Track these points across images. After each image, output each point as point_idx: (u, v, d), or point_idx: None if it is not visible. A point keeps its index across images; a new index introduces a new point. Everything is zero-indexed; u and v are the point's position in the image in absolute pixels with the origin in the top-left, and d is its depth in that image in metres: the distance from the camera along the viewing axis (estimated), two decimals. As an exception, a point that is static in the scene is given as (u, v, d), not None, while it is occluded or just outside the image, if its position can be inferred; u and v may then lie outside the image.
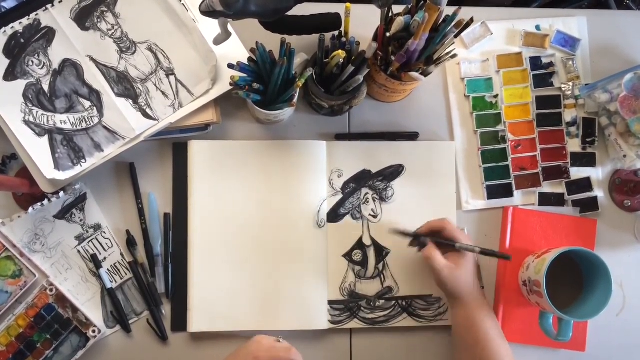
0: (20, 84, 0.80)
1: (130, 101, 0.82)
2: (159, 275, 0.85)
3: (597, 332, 0.89)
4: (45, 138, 0.80)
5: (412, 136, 0.91)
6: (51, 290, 0.83)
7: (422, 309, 0.88)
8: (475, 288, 0.80)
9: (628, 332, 0.91)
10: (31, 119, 0.80)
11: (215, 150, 0.87)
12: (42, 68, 0.80)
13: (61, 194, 0.83)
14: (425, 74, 0.77)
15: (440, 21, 0.76)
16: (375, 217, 0.89)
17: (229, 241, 0.86)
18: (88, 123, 0.81)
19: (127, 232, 0.86)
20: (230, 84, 0.76)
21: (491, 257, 0.82)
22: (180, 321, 0.85)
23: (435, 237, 0.82)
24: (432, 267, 0.80)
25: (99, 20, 0.82)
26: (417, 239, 0.83)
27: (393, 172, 0.90)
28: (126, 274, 0.86)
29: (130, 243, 0.86)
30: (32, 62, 0.80)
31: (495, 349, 0.76)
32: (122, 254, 0.86)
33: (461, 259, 0.79)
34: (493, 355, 0.76)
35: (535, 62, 0.93)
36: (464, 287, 0.79)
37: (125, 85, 0.82)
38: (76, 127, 0.81)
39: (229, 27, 0.79)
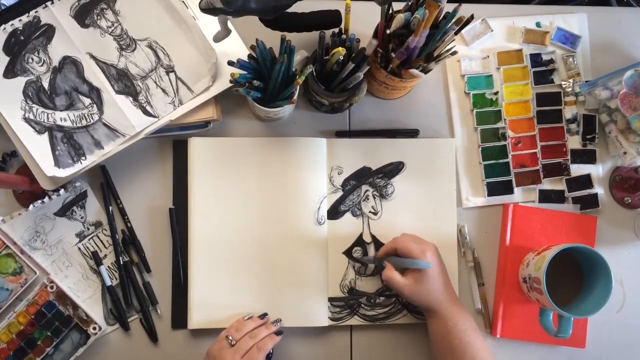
0: (20, 82, 0.80)
1: (130, 98, 0.82)
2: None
3: (597, 329, 0.89)
4: (46, 135, 0.80)
5: (412, 133, 0.91)
6: (52, 287, 0.83)
7: (422, 306, 0.88)
8: (445, 296, 0.80)
9: (628, 329, 0.91)
10: (31, 117, 0.80)
11: (216, 148, 0.87)
12: (42, 65, 0.80)
13: (61, 191, 0.83)
14: (425, 71, 0.77)
15: (441, 18, 0.76)
16: (375, 214, 0.89)
17: (229, 238, 0.86)
18: (88, 120, 0.81)
19: (123, 231, 0.86)
20: (230, 81, 0.76)
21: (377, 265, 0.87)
22: (180, 318, 0.85)
23: (392, 256, 0.83)
24: (393, 288, 0.81)
25: (98, 17, 0.82)
26: (379, 263, 0.84)
27: (393, 169, 0.90)
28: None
29: (126, 243, 0.86)
30: (32, 59, 0.80)
31: (472, 353, 0.76)
32: (122, 252, 0.86)
33: (421, 273, 0.79)
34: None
35: (536, 59, 0.93)
36: (431, 299, 0.79)
37: (125, 83, 0.82)
38: (76, 124, 0.81)
39: (229, 24, 0.79)
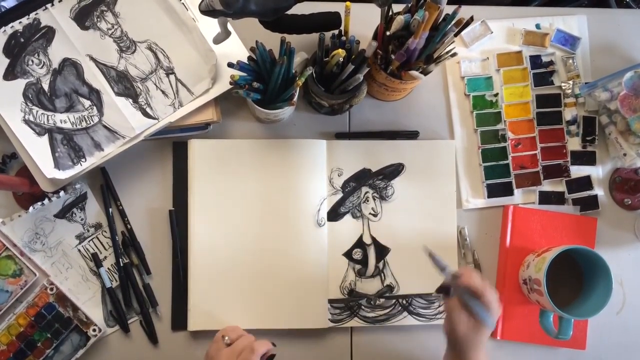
0: (20, 83, 0.80)
1: (130, 100, 0.82)
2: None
3: (597, 331, 0.89)
4: (45, 137, 0.80)
5: (412, 135, 0.91)
6: (51, 289, 0.83)
7: (422, 308, 0.88)
8: (483, 351, 0.74)
9: (628, 330, 0.91)
10: (31, 118, 0.80)
11: (216, 149, 0.87)
12: (42, 67, 0.80)
13: (61, 193, 0.83)
14: (425, 72, 0.77)
15: (440, 20, 0.76)
16: (375, 215, 0.89)
17: (229, 240, 0.86)
18: (88, 122, 0.81)
19: (122, 233, 0.86)
20: (230, 83, 0.76)
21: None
22: (180, 320, 0.85)
23: (466, 292, 0.74)
24: (449, 317, 0.75)
25: (98, 19, 0.82)
26: (452, 281, 0.75)
27: (393, 171, 0.90)
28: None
29: (126, 245, 0.86)
30: (32, 61, 0.80)
31: None
32: (122, 254, 0.85)
33: (480, 322, 0.72)
34: None
35: (536, 60, 0.93)
36: (472, 346, 0.73)
37: (125, 85, 0.82)
38: (76, 126, 0.81)
39: (229, 26, 0.79)
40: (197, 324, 0.84)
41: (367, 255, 0.88)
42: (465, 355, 0.75)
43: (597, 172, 0.93)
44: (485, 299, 0.72)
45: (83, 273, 0.85)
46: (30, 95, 0.80)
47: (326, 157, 0.89)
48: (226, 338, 0.76)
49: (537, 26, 0.94)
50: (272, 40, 0.76)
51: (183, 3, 0.82)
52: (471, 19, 0.74)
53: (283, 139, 0.88)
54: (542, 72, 0.93)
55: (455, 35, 0.74)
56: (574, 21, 0.95)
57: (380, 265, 0.88)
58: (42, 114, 0.80)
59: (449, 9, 0.72)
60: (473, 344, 0.74)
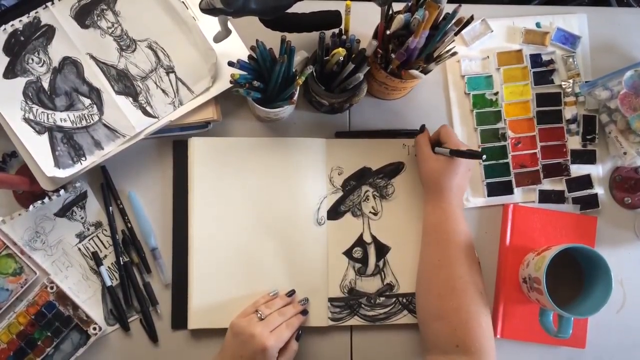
0: (20, 82, 0.80)
1: (131, 99, 0.82)
2: (161, 266, 0.85)
3: (597, 329, 0.89)
4: (46, 136, 0.80)
5: (412, 133, 0.91)
6: (52, 287, 0.83)
7: (422, 307, 0.88)
8: (458, 192, 0.83)
9: (628, 329, 0.91)
10: (31, 117, 0.80)
11: (216, 148, 0.87)
12: (42, 66, 0.80)
13: (62, 191, 0.83)
14: (425, 71, 0.77)
15: (441, 19, 0.76)
16: (375, 214, 0.89)
17: (229, 238, 0.86)
18: (88, 121, 0.81)
19: (123, 232, 0.86)
20: (231, 82, 0.76)
21: (463, 157, 0.82)
22: (180, 318, 0.85)
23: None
24: (417, 153, 0.86)
25: (99, 18, 0.82)
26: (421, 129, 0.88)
27: (393, 170, 0.90)
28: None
29: (126, 243, 0.86)
30: (32, 60, 0.80)
31: (467, 243, 0.81)
32: (122, 252, 0.86)
33: (447, 158, 0.81)
34: (466, 248, 0.80)
35: (536, 59, 0.93)
36: (445, 184, 0.82)
37: (125, 83, 0.82)
38: (76, 124, 0.81)
39: (229, 25, 0.79)
40: (197, 322, 0.84)
41: (367, 253, 0.88)
42: (438, 195, 0.83)
43: (597, 170, 0.93)
44: (443, 132, 0.84)
45: (83, 272, 0.85)
46: (30, 94, 0.80)
47: (326, 155, 0.89)
48: (259, 313, 0.77)
49: (538, 25, 0.94)
50: (272, 39, 0.76)
51: (183, 2, 0.82)
52: (471, 18, 0.74)
53: (283, 137, 0.88)
54: (542, 70, 0.93)
55: (456, 34, 0.74)
56: (574, 20, 0.95)
57: (381, 263, 0.88)
58: (42, 112, 0.80)
59: (449, 8, 0.72)
60: (445, 184, 0.82)
